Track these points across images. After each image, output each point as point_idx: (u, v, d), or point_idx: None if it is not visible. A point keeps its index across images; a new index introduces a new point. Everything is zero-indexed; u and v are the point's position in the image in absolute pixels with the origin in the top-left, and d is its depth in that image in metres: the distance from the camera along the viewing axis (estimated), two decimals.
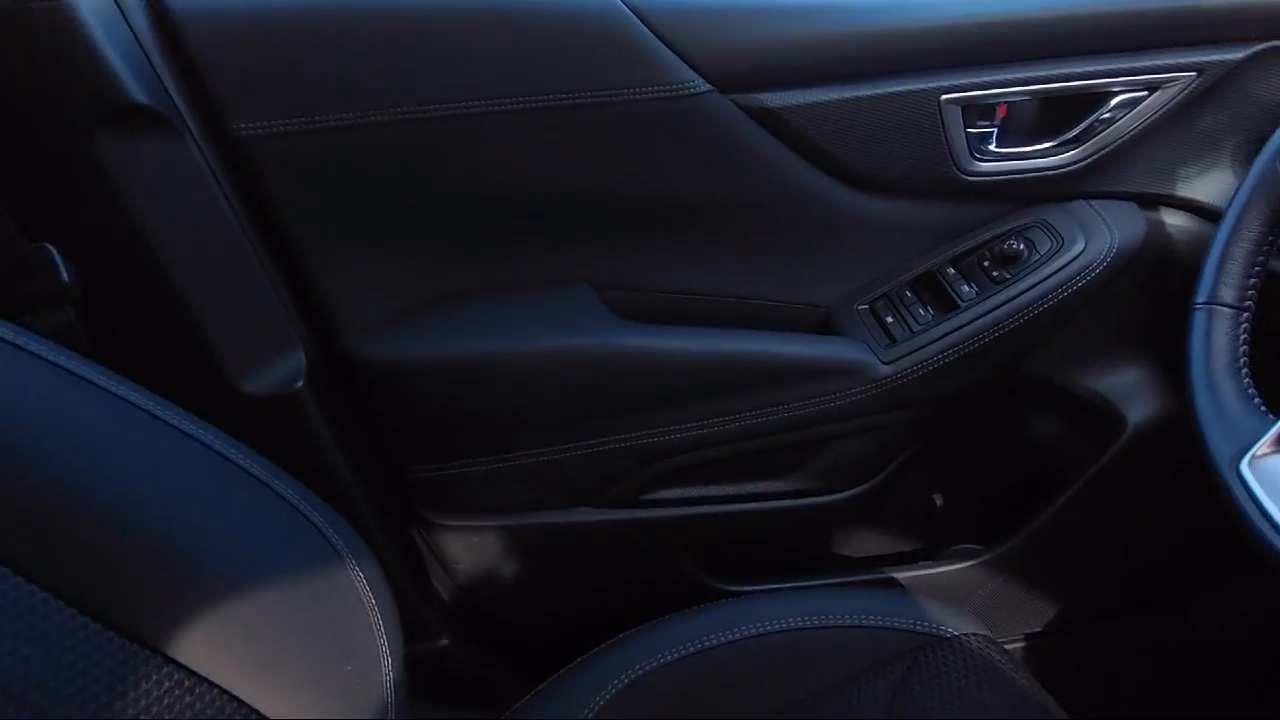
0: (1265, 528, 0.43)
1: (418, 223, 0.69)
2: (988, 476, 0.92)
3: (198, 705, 0.51)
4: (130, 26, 0.56)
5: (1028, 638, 0.99)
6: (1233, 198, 0.53)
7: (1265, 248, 0.51)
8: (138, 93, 0.55)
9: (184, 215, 0.60)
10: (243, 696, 0.52)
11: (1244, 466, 0.45)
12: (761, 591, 0.86)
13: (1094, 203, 0.75)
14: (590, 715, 0.63)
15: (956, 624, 0.68)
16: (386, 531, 0.76)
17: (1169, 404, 0.80)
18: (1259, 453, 0.45)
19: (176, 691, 0.50)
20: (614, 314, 0.73)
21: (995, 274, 0.75)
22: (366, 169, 0.65)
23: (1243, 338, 0.50)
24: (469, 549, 0.79)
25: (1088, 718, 1.01)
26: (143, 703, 0.48)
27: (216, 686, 0.52)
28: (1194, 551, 0.97)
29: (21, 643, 0.44)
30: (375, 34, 0.61)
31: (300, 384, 0.67)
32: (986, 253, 0.76)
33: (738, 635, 0.67)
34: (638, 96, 0.63)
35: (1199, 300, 0.51)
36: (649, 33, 0.62)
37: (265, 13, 0.60)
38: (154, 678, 0.49)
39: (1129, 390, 0.81)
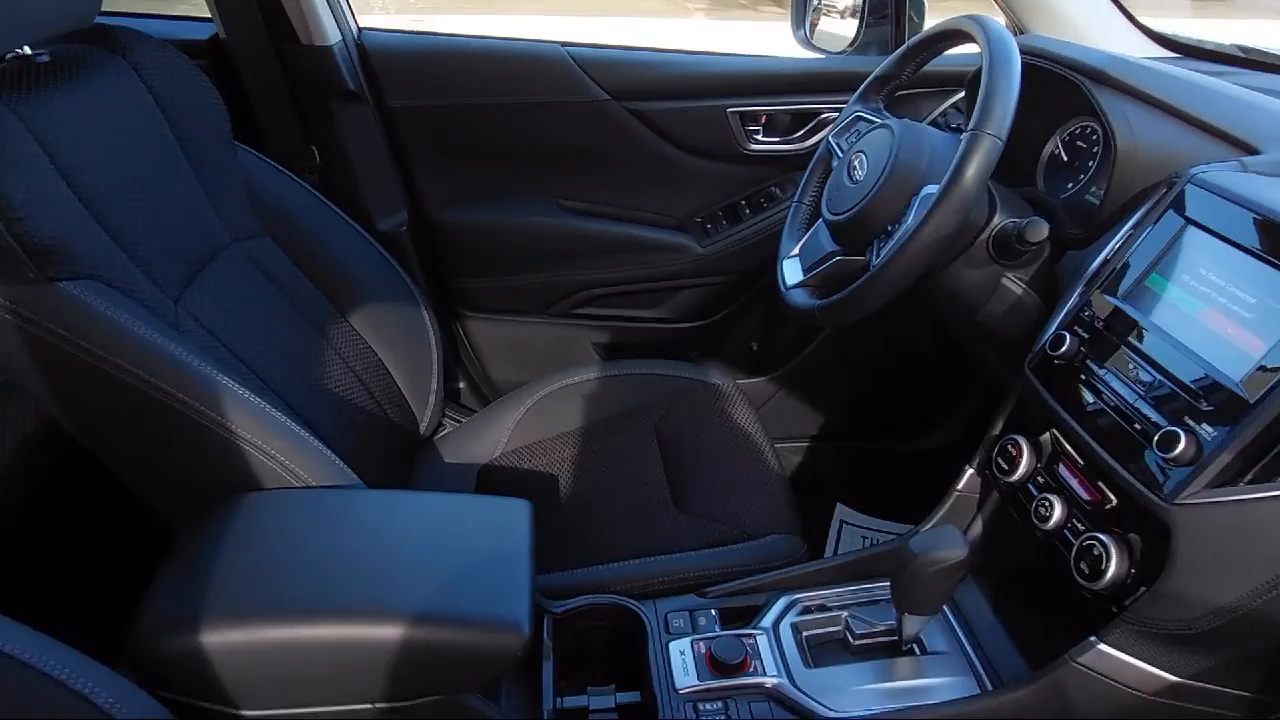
0: (782, 283, 1.09)
1: (466, 156, 1.40)
2: (785, 331, 1.57)
3: (361, 349, 1.19)
4: (349, 51, 1.28)
5: (810, 439, 1.64)
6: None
7: (821, 178, 1.16)
8: (350, 84, 1.27)
9: (359, 141, 1.32)
10: (377, 352, 1.21)
11: (785, 261, 1.11)
12: None
13: None
14: (521, 413, 1.30)
15: (721, 379, 1.34)
16: (439, 315, 1.46)
17: None
18: (790, 254, 1.11)
19: (352, 336, 1.19)
20: (562, 210, 1.43)
21: (765, 206, 1.43)
22: (446, 128, 1.36)
23: (804, 214, 1.15)
24: (481, 332, 1.51)
25: (849, 500, 1.64)
26: (340, 337, 1.17)
27: (366, 342, 1.21)
28: (921, 389, 1.60)
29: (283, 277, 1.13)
30: (453, 61, 1.32)
31: (404, 228, 1.39)
32: (761, 194, 1.43)
33: (600, 375, 1.33)
34: (571, 100, 1.33)
35: (793, 200, 1.17)
36: (579, 68, 1.32)
37: (401, 47, 1.32)
38: (340, 325, 1.18)
39: None
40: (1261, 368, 0.64)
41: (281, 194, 1.16)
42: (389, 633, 0.66)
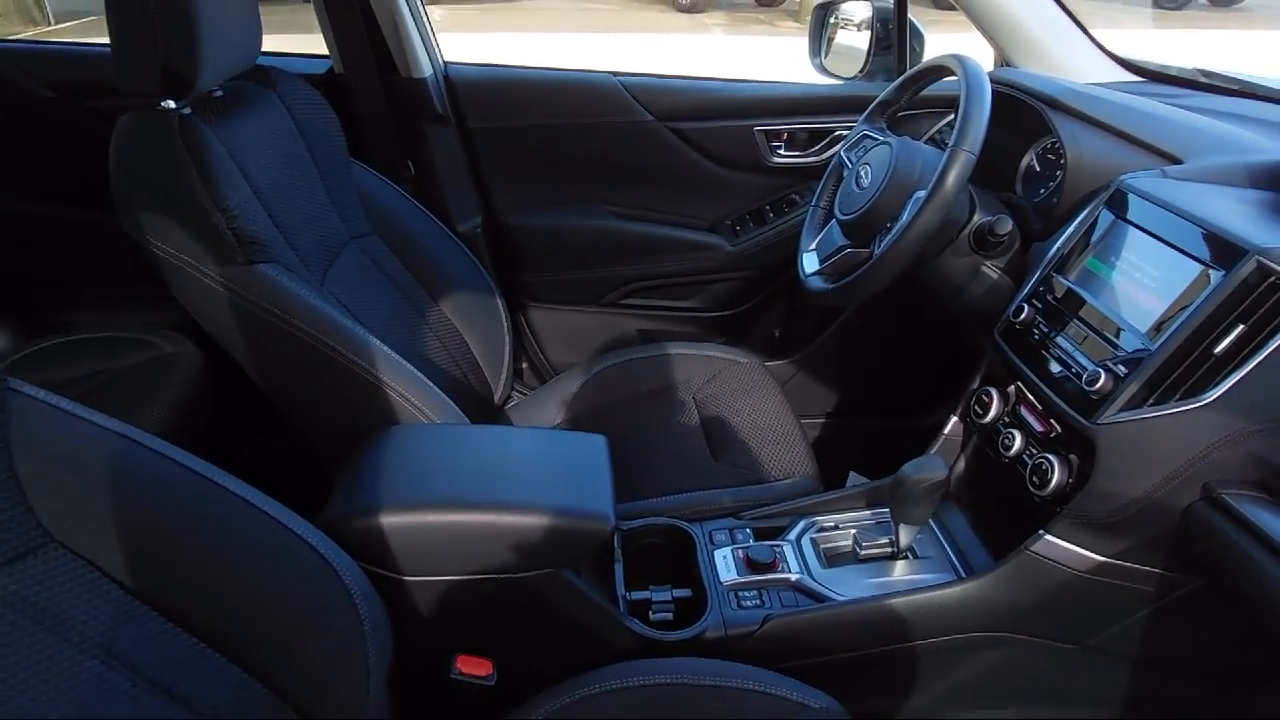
0: (801, 271, 1.31)
1: (532, 169, 1.64)
2: (804, 320, 1.80)
3: (449, 328, 1.44)
4: (439, 81, 1.53)
5: (826, 416, 1.86)
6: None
7: (834, 186, 1.39)
8: (439, 109, 1.52)
9: (445, 157, 1.57)
10: (461, 331, 1.45)
11: (804, 254, 1.34)
12: None
13: None
14: (577, 387, 1.54)
15: (749, 359, 1.57)
16: (506, 305, 1.71)
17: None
18: (809, 248, 1.34)
19: (441, 318, 1.44)
20: (611, 215, 1.67)
21: (786, 210, 1.66)
22: (514, 144, 1.61)
23: (820, 215, 1.38)
24: (541, 319, 1.75)
25: (860, 469, 1.86)
26: (433, 318, 1.42)
27: (452, 323, 1.45)
28: (930, 375, 1.81)
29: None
30: (522, 89, 1.57)
31: (479, 230, 1.63)
32: (783, 200, 1.67)
33: (643, 356, 1.56)
34: (620, 120, 1.58)
35: (811, 204, 1.40)
36: (629, 95, 1.56)
37: (480, 77, 1.57)
38: (432, 308, 1.43)
39: None
40: (1160, 323, 0.86)
41: (386, 201, 1.40)
42: (511, 519, 0.89)
